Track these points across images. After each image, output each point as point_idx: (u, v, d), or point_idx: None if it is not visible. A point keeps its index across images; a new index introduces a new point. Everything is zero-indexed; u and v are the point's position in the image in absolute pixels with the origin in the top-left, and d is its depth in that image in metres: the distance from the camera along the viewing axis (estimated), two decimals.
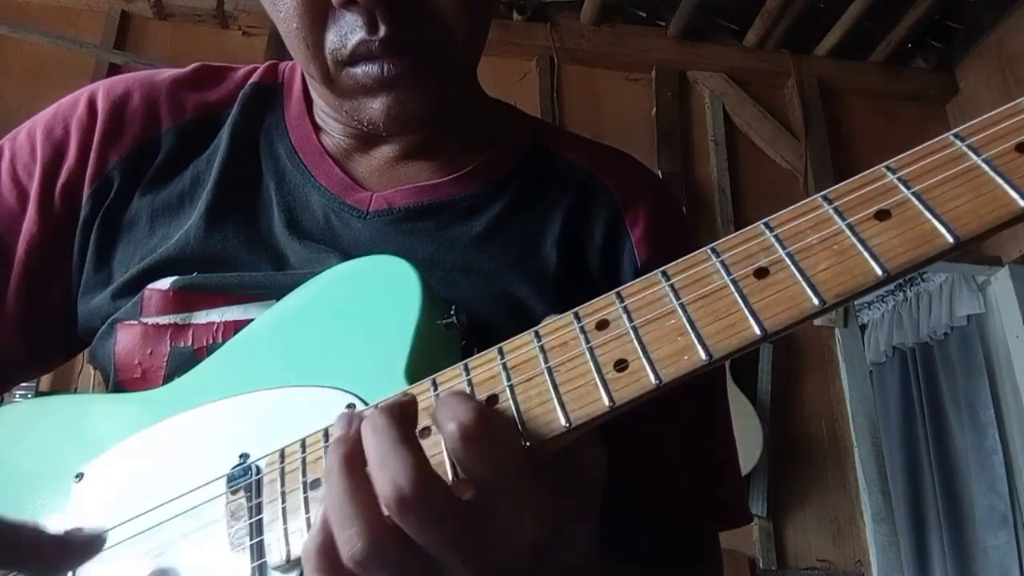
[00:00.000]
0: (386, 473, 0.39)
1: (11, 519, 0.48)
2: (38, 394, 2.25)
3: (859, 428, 2.93)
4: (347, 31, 0.60)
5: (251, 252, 0.68)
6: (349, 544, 0.40)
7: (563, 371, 0.43)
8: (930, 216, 0.38)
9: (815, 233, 0.40)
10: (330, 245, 0.67)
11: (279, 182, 0.71)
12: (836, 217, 0.40)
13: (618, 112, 3.29)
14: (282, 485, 0.49)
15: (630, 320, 0.43)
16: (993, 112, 0.39)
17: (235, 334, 0.63)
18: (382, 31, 0.59)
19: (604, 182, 0.73)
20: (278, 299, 0.63)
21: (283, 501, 0.49)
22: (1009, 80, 3.24)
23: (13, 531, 0.48)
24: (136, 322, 0.66)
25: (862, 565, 2.76)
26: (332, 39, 0.61)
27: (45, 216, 0.70)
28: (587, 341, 0.43)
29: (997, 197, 0.37)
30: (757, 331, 0.39)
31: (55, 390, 2.35)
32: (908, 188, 0.39)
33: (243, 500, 0.51)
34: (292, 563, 0.47)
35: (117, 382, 0.66)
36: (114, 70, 2.94)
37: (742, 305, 0.40)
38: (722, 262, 0.42)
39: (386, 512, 0.40)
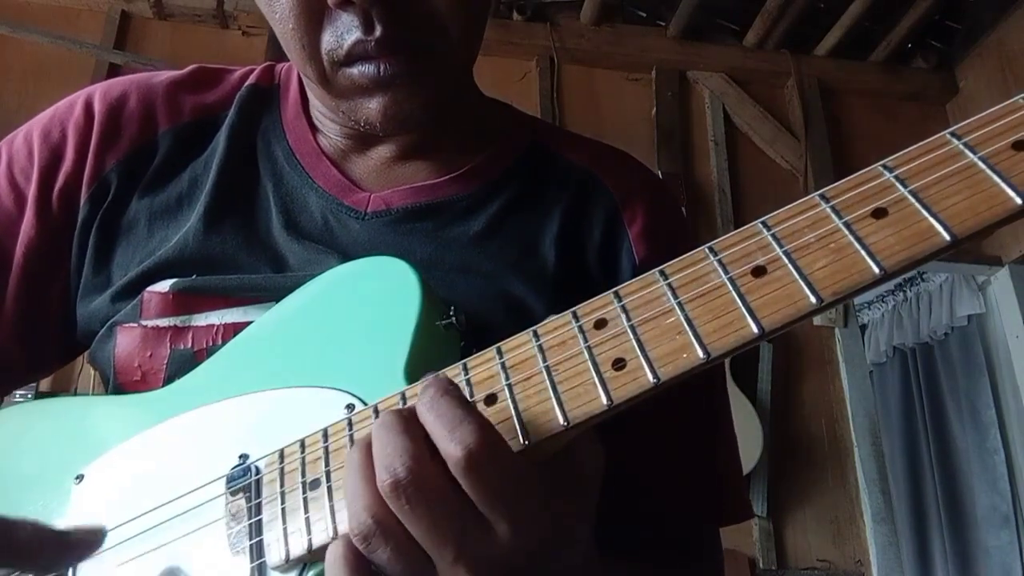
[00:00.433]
0: (384, 460, 0.42)
1: (9, 517, 0.48)
2: (38, 395, 2.25)
3: (859, 428, 2.93)
4: (343, 31, 0.60)
5: (250, 254, 0.68)
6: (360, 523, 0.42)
7: (561, 370, 0.43)
8: (927, 214, 0.38)
9: (812, 231, 0.40)
10: (328, 246, 0.67)
11: (277, 184, 0.71)
12: (833, 215, 0.40)
13: (618, 112, 3.30)
14: (281, 485, 0.49)
15: (628, 319, 0.43)
16: (989, 110, 0.39)
17: (235, 336, 0.63)
18: (378, 31, 0.59)
19: (603, 182, 0.73)
20: (277, 301, 0.63)
21: (282, 501, 0.49)
22: (1009, 80, 3.24)
23: (11, 529, 0.48)
24: (135, 325, 0.66)
25: (862, 565, 2.76)
26: (328, 40, 0.61)
27: (43, 219, 0.70)
28: (585, 340, 0.44)
29: (994, 195, 0.37)
30: (755, 329, 0.39)
31: (55, 391, 2.35)
32: (905, 186, 0.39)
33: (242, 500, 0.51)
34: (291, 563, 0.47)
35: (117, 385, 0.66)
36: (114, 70, 2.94)
37: (739, 303, 0.40)
38: (719, 261, 0.42)
39: (385, 496, 0.41)
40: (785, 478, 2.82)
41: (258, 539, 0.49)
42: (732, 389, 2.81)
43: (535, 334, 0.46)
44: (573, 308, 0.46)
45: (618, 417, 0.42)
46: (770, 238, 0.41)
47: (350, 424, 0.49)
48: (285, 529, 0.48)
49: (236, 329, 0.64)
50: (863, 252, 0.38)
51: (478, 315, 0.60)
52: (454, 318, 0.57)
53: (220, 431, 0.57)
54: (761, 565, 2.68)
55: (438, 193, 0.70)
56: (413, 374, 0.52)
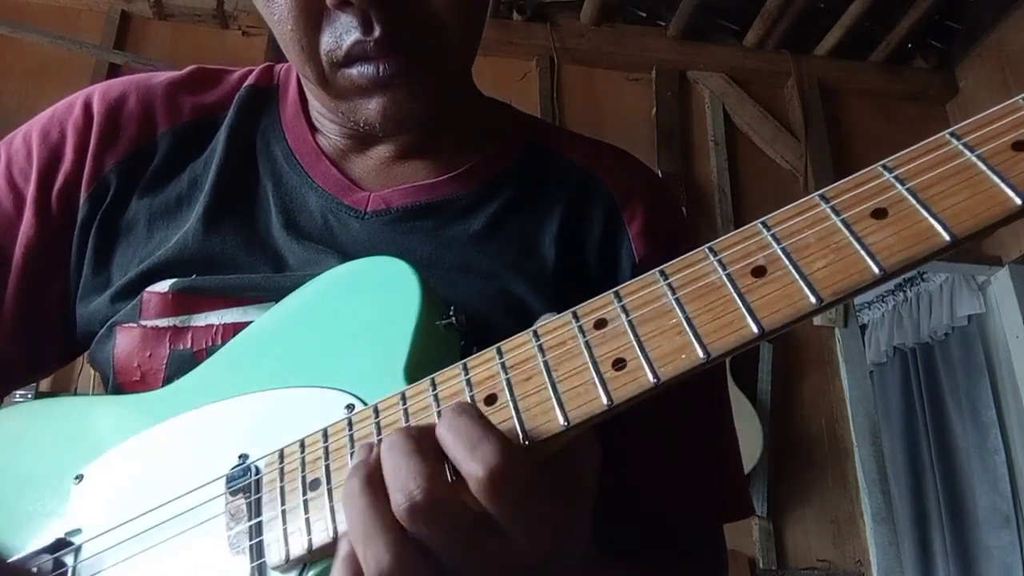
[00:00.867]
0: (398, 482, 0.41)
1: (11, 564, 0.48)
2: (38, 395, 2.25)
3: (859, 428, 2.93)
4: (342, 32, 0.60)
5: (250, 254, 0.68)
6: (376, 559, 0.41)
7: (561, 370, 0.43)
8: (926, 214, 0.38)
9: (812, 232, 0.40)
10: (328, 246, 0.67)
11: (276, 184, 0.71)
12: (833, 215, 0.40)
13: (618, 112, 3.30)
14: (281, 485, 0.49)
15: (628, 319, 0.43)
16: (989, 110, 0.39)
17: (234, 336, 0.63)
18: (377, 32, 0.59)
19: (603, 181, 0.73)
20: (277, 301, 0.63)
21: (282, 502, 0.49)
22: (1009, 80, 3.24)
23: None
24: (135, 325, 0.66)
25: (862, 565, 2.76)
26: (327, 41, 0.61)
27: (42, 220, 0.70)
28: (585, 340, 0.44)
29: (993, 195, 0.37)
30: (755, 329, 0.39)
31: (55, 391, 2.35)
32: (904, 186, 0.39)
33: (242, 501, 0.51)
34: (291, 563, 0.47)
35: (116, 385, 0.66)
36: (114, 70, 2.94)
37: (739, 303, 0.40)
38: (719, 261, 0.42)
39: (401, 518, 0.41)
40: (785, 478, 2.82)
41: (258, 539, 0.49)
42: (732, 389, 2.81)
43: (535, 334, 0.46)
44: (573, 308, 0.46)
45: (618, 417, 0.42)
46: (770, 238, 0.41)
47: (350, 424, 0.49)
48: (285, 529, 0.48)
49: (236, 329, 0.63)
50: (863, 252, 0.38)
51: (478, 314, 0.60)
52: (454, 318, 0.57)
53: (220, 431, 0.57)
54: (761, 565, 2.68)
55: (438, 192, 0.70)
56: (413, 374, 0.52)
